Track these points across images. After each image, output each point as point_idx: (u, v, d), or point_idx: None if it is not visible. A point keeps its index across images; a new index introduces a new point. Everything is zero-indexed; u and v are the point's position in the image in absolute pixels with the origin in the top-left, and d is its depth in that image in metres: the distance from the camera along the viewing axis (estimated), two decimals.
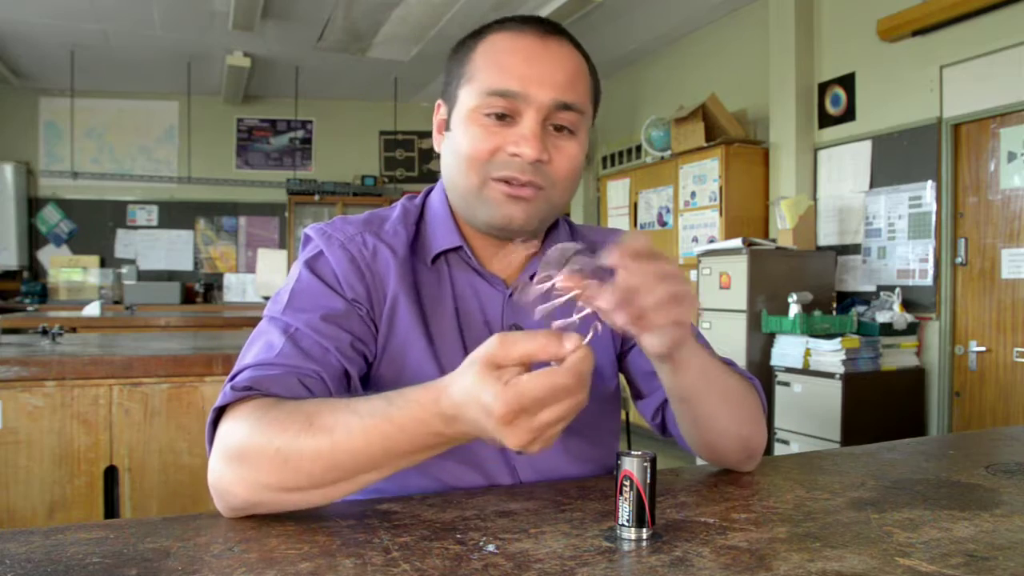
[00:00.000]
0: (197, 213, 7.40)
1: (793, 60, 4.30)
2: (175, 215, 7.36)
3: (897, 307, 3.67)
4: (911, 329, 3.67)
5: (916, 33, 3.71)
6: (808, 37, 4.33)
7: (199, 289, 7.20)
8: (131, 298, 6.33)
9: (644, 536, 0.66)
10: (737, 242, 3.88)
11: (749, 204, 4.46)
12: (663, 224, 4.94)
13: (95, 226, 7.18)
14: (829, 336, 3.53)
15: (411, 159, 7.80)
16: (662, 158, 4.98)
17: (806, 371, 3.58)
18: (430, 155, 7.76)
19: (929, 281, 3.68)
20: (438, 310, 0.90)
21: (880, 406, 3.49)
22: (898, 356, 3.63)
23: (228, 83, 6.63)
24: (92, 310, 4.51)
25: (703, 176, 4.55)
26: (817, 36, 4.33)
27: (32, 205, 7.05)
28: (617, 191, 5.46)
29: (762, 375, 3.75)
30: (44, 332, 2.45)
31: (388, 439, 0.64)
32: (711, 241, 4.41)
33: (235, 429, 0.70)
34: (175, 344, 2.40)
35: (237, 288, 7.32)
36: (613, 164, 6.11)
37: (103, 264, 7.14)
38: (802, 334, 3.58)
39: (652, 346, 0.71)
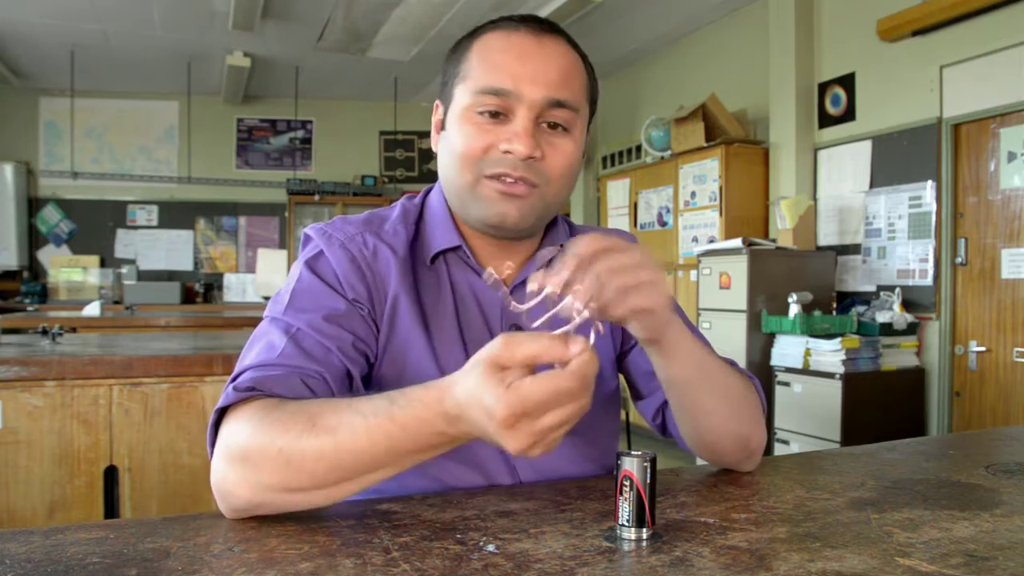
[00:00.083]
0: (197, 213, 7.40)
1: (793, 60, 4.30)
2: (175, 215, 7.36)
3: (897, 307, 3.67)
4: (911, 329, 3.67)
5: (916, 33, 3.71)
6: (808, 37, 4.33)
7: (199, 289, 7.20)
8: (131, 298, 6.33)
9: (644, 536, 0.66)
10: (737, 242, 3.88)
11: (749, 204, 4.47)
12: (663, 224, 4.94)
13: (95, 226, 7.18)
14: (829, 336, 3.53)
15: (411, 159, 7.80)
16: (662, 158, 4.98)
17: (806, 371, 3.58)
18: (430, 155, 7.76)
19: (929, 281, 3.69)
20: (438, 310, 0.90)
21: (880, 406, 3.49)
22: (898, 356, 3.63)
23: (228, 83, 6.63)
24: (92, 310, 4.51)
25: (703, 176, 4.55)
26: (817, 36, 4.33)
27: (32, 205, 7.05)
28: (617, 191, 5.46)
29: (762, 375, 3.75)
30: (44, 332, 2.45)
31: (391, 439, 0.64)
32: (711, 241, 4.41)
33: (238, 430, 0.70)
34: (175, 344, 2.40)
35: (237, 288, 7.32)
36: (613, 164, 6.11)
37: (103, 264, 7.14)
38: (802, 334, 3.58)
39: (634, 330, 0.76)
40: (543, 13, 4.74)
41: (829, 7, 4.26)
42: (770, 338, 3.80)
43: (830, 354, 3.47)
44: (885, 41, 3.87)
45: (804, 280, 3.92)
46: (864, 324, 3.65)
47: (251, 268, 7.34)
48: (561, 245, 0.70)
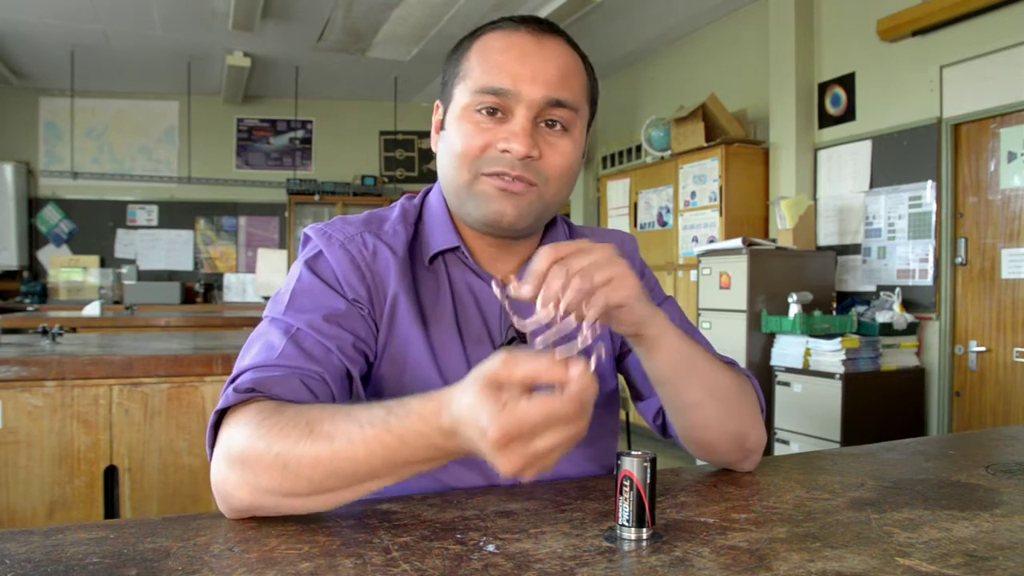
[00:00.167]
0: (197, 213, 7.40)
1: (793, 60, 4.30)
2: (175, 215, 7.36)
3: (897, 307, 3.67)
4: (911, 329, 3.67)
5: (916, 33, 3.71)
6: (808, 37, 4.33)
7: (199, 289, 7.21)
8: (131, 298, 6.33)
9: (644, 536, 0.66)
10: (737, 242, 3.88)
11: (749, 204, 4.47)
12: (663, 224, 4.94)
13: (95, 226, 7.18)
14: (829, 336, 3.53)
15: (411, 159, 7.80)
16: (662, 158, 4.98)
17: (806, 371, 3.58)
18: (430, 155, 7.76)
19: (929, 281, 3.69)
20: (436, 310, 0.90)
21: (880, 406, 3.49)
22: (898, 356, 3.63)
23: (228, 83, 6.63)
24: (92, 310, 4.51)
25: (703, 176, 4.55)
26: (817, 36, 4.33)
27: (32, 205, 7.05)
28: (617, 191, 5.46)
29: (762, 375, 3.75)
30: (44, 332, 2.45)
31: (388, 449, 0.63)
32: (711, 241, 4.41)
33: (237, 432, 0.70)
34: (175, 344, 2.40)
35: (237, 288, 7.32)
36: (613, 164, 6.11)
37: (103, 264, 7.14)
38: (802, 334, 3.58)
39: (613, 328, 0.78)
40: (543, 13, 4.74)
41: (829, 7, 4.26)
42: (770, 338, 3.80)
43: (830, 354, 3.47)
44: (885, 41, 3.87)
45: (804, 280, 3.92)
46: (864, 324, 3.65)
47: (251, 268, 7.34)
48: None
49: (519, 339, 0.91)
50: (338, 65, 6.40)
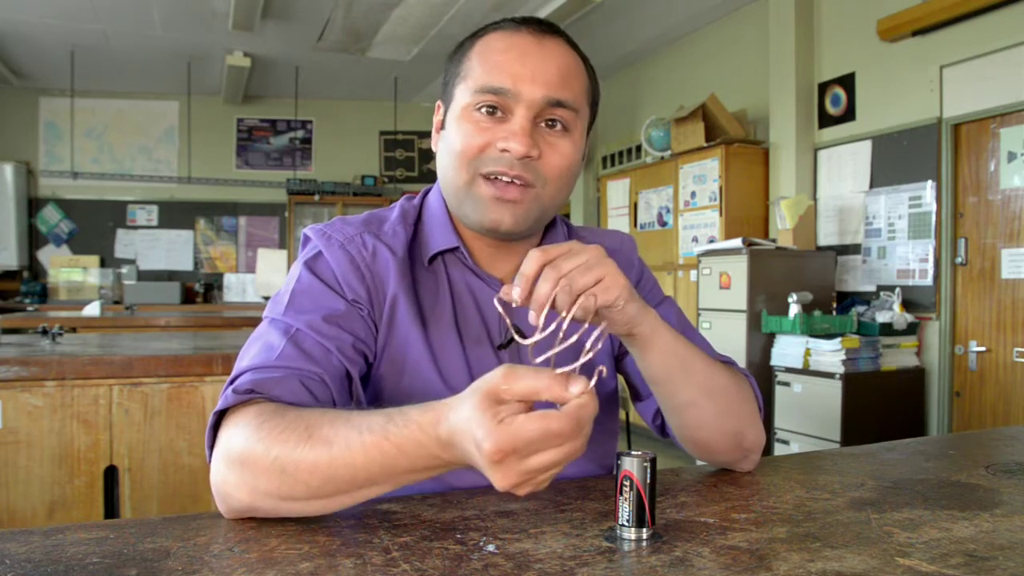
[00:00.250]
0: (197, 213, 7.40)
1: (793, 60, 4.30)
2: (175, 215, 7.36)
3: (897, 307, 3.67)
4: (911, 329, 3.67)
5: (916, 33, 3.71)
6: (808, 37, 4.33)
7: (199, 289, 7.21)
8: (131, 298, 6.33)
9: (644, 536, 0.66)
10: (737, 242, 3.88)
11: (749, 204, 4.47)
12: (663, 224, 4.94)
13: (95, 226, 7.18)
14: (829, 336, 3.53)
15: (411, 159, 7.80)
16: (662, 158, 4.98)
17: (806, 371, 3.58)
18: (430, 155, 7.76)
19: (929, 281, 3.69)
20: (436, 310, 0.90)
21: (880, 406, 3.49)
22: (898, 356, 3.63)
23: (228, 83, 6.63)
24: (92, 310, 4.51)
25: (703, 176, 4.55)
26: (817, 36, 4.33)
27: (32, 205, 7.05)
28: (617, 191, 5.46)
29: (762, 375, 3.75)
30: (44, 332, 2.45)
31: (386, 457, 0.63)
32: (711, 241, 4.41)
33: (236, 434, 0.70)
34: (175, 344, 2.40)
35: (237, 288, 7.32)
36: (613, 164, 6.11)
37: (103, 264, 7.14)
38: (802, 334, 3.58)
39: (610, 327, 0.77)
40: (543, 13, 4.74)
41: (829, 7, 4.26)
42: (770, 338, 3.80)
43: (830, 354, 3.47)
44: (885, 41, 3.87)
45: (804, 280, 3.92)
46: (864, 324, 3.65)
47: (251, 268, 7.34)
48: None
49: (517, 341, 0.91)
50: (338, 65, 6.40)
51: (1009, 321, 3.41)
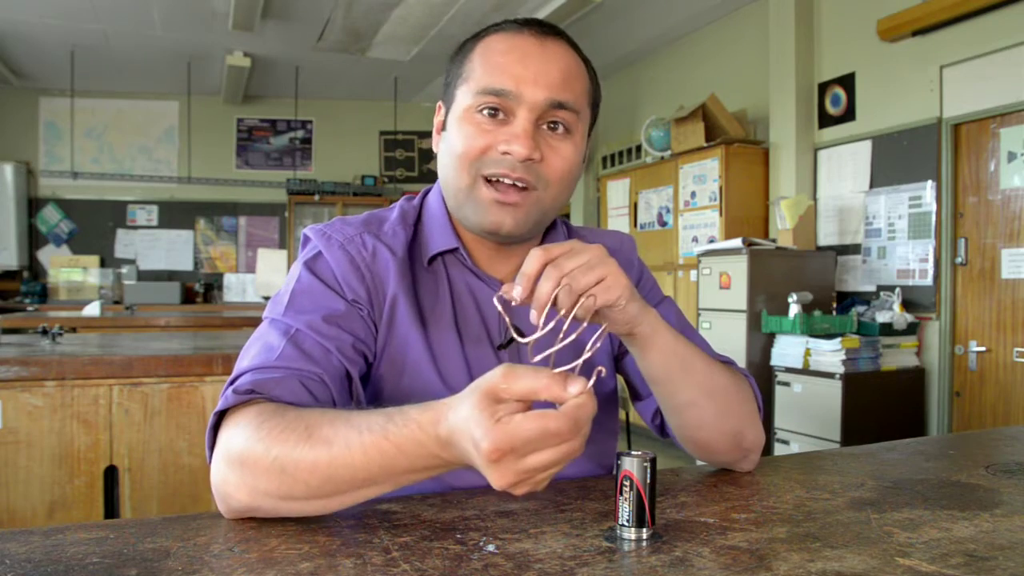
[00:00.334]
0: (197, 213, 7.40)
1: (793, 60, 4.30)
2: (175, 215, 7.36)
3: (897, 307, 3.67)
4: (911, 329, 3.67)
5: (916, 33, 3.71)
6: (808, 37, 4.33)
7: (199, 289, 7.21)
8: (131, 298, 6.33)
9: (644, 536, 0.66)
10: (737, 242, 3.88)
11: (749, 204, 4.47)
12: (663, 224, 4.94)
13: (95, 226, 7.19)
14: (829, 336, 3.53)
15: (411, 159, 7.80)
16: (662, 158, 4.98)
17: (806, 371, 3.58)
18: (430, 155, 7.76)
19: (929, 281, 3.69)
20: (436, 310, 0.90)
21: (880, 406, 3.49)
22: (898, 356, 3.63)
23: (228, 83, 6.63)
24: (92, 310, 4.51)
25: (703, 176, 4.55)
26: (817, 36, 4.33)
27: (32, 205, 7.05)
28: (617, 191, 5.46)
29: (762, 375, 3.75)
30: (44, 332, 2.45)
31: (386, 457, 0.63)
32: (711, 241, 4.41)
33: (236, 434, 0.70)
34: (175, 344, 2.40)
35: (237, 288, 7.32)
36: (613, 164, 6.11)
37: (103, 264, 7.14)
38: (802, 334, 3.58)
39: (610, 327, 0.77)
40: (543, 13, 4.74)
41: (829, 7, 4.26)
42: (770, 338, 3.80)
43: (830, 354, 3.47)
44: (885, 41, 3.87)
45: (804, 280, 3.92)
46: (864, 324, 3.65)
47: (251, 268, 7.34)
48: None
49: (517, 340, 0.91)
50: (338, 65, 6.40)
51: (1009, 321, 3.41)
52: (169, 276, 7.27)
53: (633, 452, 0.66)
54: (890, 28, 3.76)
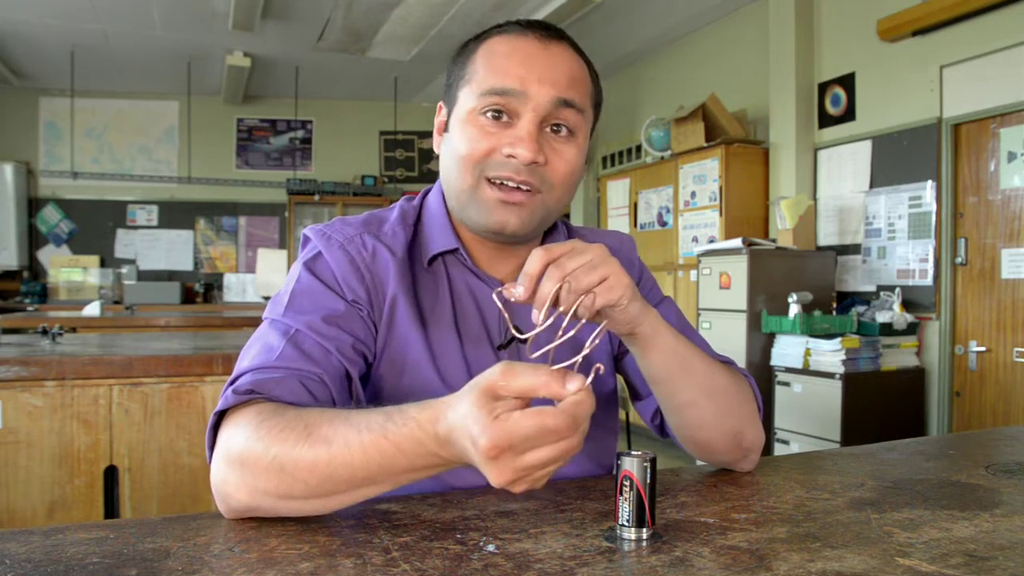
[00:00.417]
0: (197, 213, 7.40)
1: (793, 60, 4.30)
2: (175, 215, 7.36)
3: (897, 307, 3.67)
4: (911, 329, 3.67)
5: (916, 33, 3.71)
6: (808, 37, 4.33)
7: (199, 289, 7.21)
8: (131, 298, 6.33)
9: (644, 536, 0.66)
10: (737, 242, 3.88)
11: (749, 204, 4.47)
12: (663, 224, 4.94)
13: (95, 226, 7.18)
14: (829, 336, 3.53)
15: (411, 159, 7.80)
16: (662, 158, 4.98)
17: (806, 371, 3.58)
18: (430, 155, 7.77)
19: (929, 281, 3.69)
20: (435, 311, 0.90)
21: (880, 406, 3.49)
22: (898, 356, 3.63)
23: (228, 83, 6.63)
24: (92, 310, 4.51)
25: (703, 176, 4.55)
26: (817, 36, 4.33)
27: (32, 205, 7.05)
28: (617, 191, 5.46)
29: (762, 375, 3.75)
30: (44, 332, 2.45)
31: (385, 456, 0.63)
32: (711, 241, 4.41)
33: (236, 434, 0.70)
34: (175, 344, 2.40)
35: (237, 288, 7.32)
36: (613, 164, 6.11)
37: (103, 264, 7.14)
38: (802, 334, 3.58)
39: (611, 326, 0.77)
40: (543, 13, 4.74)
41: (829, 7, 4.26)
42: (770, 338, 3.80)
43: (830, 354, 3.47)
44: (885, 41, 3.87)
45: (804, 280, 3.92)
46: (864, 324, 3.65)
47: (251, 268, 7.34)
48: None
49: (518, 340, 0.91)
50: (338, 65, 6.40)
51: (1009, 321, 3.40)
52: (169, 276, 7.27)
53: (633, 452, 0.66)
54: (890, 28, 3.76)
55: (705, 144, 4.49)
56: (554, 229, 1.00)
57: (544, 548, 0.64)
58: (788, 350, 3.67)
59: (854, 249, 4.07)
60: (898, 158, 3.84)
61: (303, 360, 0.78)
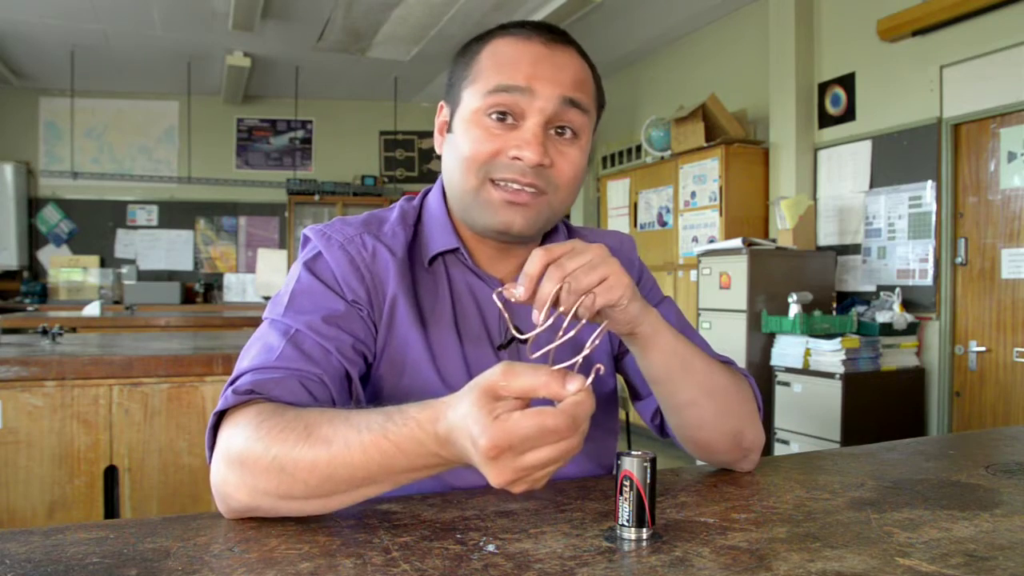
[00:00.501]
0: (197, 213, 7.40)
1: (793, 60, 4.30)
2: (175, 215, 7.36)
3: (897, 307, 3.67)
4: (911, 329, 3.67)
5: (916, 33, 3.71)
6: (808, 37, 4.33)
7: (199, 289, 7.21)
8: (131, 298, 6.33)
9: (644, 536, 0.66)
10: (737, 242, 3.88)
11: (749, 204, 4.47)
12: (663, 224, 4.94)
13: (95, 226, 7.18)
14: (829, 336, 3.53)
15: (411, 159, 7.80)
16: (662, 158, 4.98)
17: (806, 371, 3.58)
18: (430, 155, 7.77)
19: (929, 281, 3.69)
20: (436, 311, 0.90)
21: (880, 406, 3.49)
22: (898, 356, 3.63)
23: (228, 83, 6.63)
24: (92, 310, 4.51)
25: (703, 176, 4.55)
26: (817, 36, 4.33)
27: (32, 205, 7.05)
28: (617, 191, 5.46)
29: (762, 375, 3.75)
30: (44, 332, 2.45)
31: (385, 455, 0.63)
32: (711, 241, 4.41)
33: (236, 434, 0.70)
34: (175, 344, 2.40)
35: (237, 288, 7.32)
36: (613, 164, 6.11)
37: (103, 264, 7.14)
38: (802, 334, 3.58)
39: (612, 326, 0.77)
40: (543, 13, 4.74)
41: (829, 7, 4.26)
42: (770, 338, 3.80)
43: (830, 354, 3.47)
44: (885, 41, 3.87)
45: (804, 280, 3.92)
46: (864, 324, 3.65)
47: (251, 268, 7.34)
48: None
49: (517, 339, 0.91)
50: (338, 65, 6.40)
51: (1009, 321, 3.40)
52: (169, 276, 7.27)
53: (633, 452, 0.66)
54: (890, 28, 3.76)
55: (705, 144, 4.49)
56: (554, 229, 1.00)
57: (544, 548, 0.64)
58: (788, 350, 3.67)
59: (854, 249, 4.07)
60: (898, 158, 3.84)
61: (303, 360, 0.78)
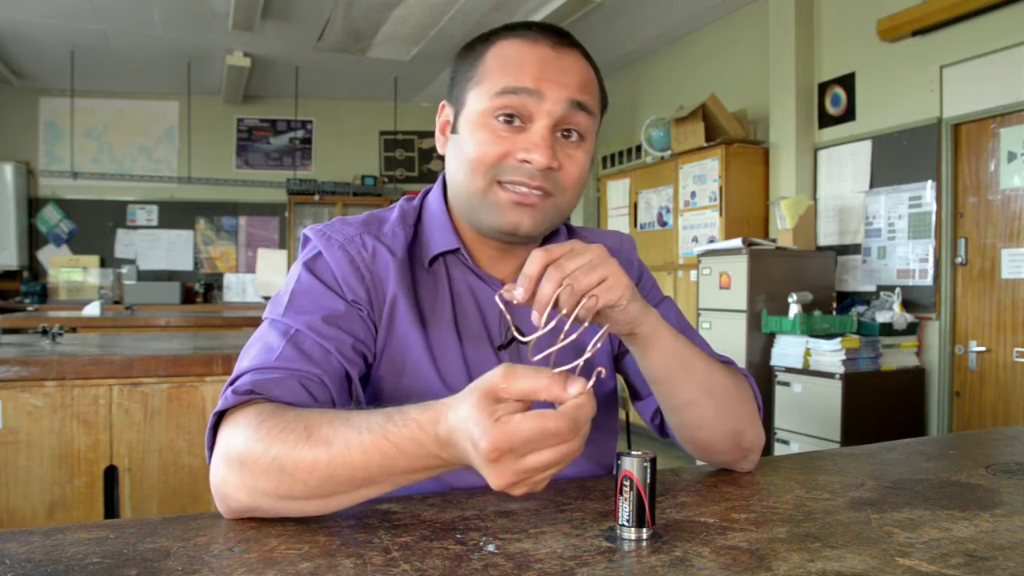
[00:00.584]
0: (197, 213, 7.40)
1: (793, 60, 4.30)
2: (175, 215, 7.36)
3: (897, 307, 3.67)
4: (911, 329, 3.67)
5: (916, 33, 3.71)
6: (808, 37, 4.33)
7: (199, 289, 7.21)
8: (131, 298, 6.33)
9: (644, 536, 0.66)
10: (737, 242, 3.88)
11: (749, 204, 4.47)
12: (663, 224, 4.94)
13: (95, 226, 7.18)
14: (829, 336, 3.53)
15: (411, 159, 7.80)
16: (662, 158, 4.98)
17: (806, 371, 3.58)
18: (430, 155, 7.77)
19: (929, 281, 3.69)
20: (436, 311, 0.90)
21: (880, 406, 3.49)
22: (898, 356, 3.63)
23: (228, 83, 6.63)
24: (92, 310, 4.51)
25: (703, 176, 4.55)
26: (817, 36, 4.33)
27: (32, 205, 7.05)
28: (617, 191, 5.46)
29: (762, 375, 3.75)
30: (44, 332, 2.45)
31: (385, 456, 0.63)
32: (711, 241, 4.41)
33: (236, 434, 0.70)
34: (175, 344, 2.40)
35: (237, 288, 7.32)
36: (613, 164, 6.11)
37: (103, 264, 7.14)
38: (802, 334, 3.58)
39: (612, 327, 0.77)
40: (543, 13, 4.74)
41: (829, 7, 4.26)
42: (770, 338, 3.80)
43: (830, 354, 3.47)
44: (885, 41, 3.87)
45: (804, 280, 3.92)
46: (864, 324, 3.65)
47: (251, 268, 7.34)
48: None
49: (518, 340, 0.91)
50: (338, 65, 6.40)
51: (1009, 321, 3.40)
52: (169, 276, 7.27)
53: (633, 452, 0.66)
54: (890, 28, 3.76)
55: (705, 144, 4.49)
56: (555, 230, 1.00)
57: (544, 548, 0.64)
58: (788, 350, 3.67)
59: (854, 249, 4.07)
60: (898, 158, 3.84)
61: (303, 360, 0.78)
